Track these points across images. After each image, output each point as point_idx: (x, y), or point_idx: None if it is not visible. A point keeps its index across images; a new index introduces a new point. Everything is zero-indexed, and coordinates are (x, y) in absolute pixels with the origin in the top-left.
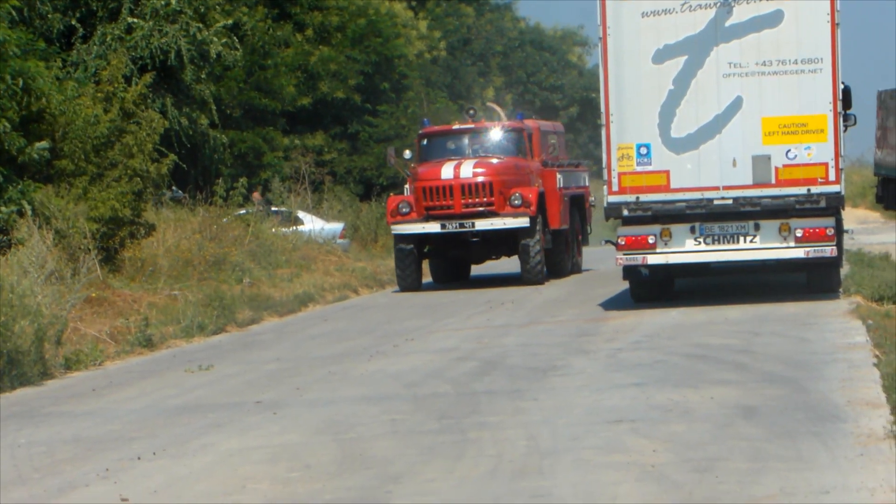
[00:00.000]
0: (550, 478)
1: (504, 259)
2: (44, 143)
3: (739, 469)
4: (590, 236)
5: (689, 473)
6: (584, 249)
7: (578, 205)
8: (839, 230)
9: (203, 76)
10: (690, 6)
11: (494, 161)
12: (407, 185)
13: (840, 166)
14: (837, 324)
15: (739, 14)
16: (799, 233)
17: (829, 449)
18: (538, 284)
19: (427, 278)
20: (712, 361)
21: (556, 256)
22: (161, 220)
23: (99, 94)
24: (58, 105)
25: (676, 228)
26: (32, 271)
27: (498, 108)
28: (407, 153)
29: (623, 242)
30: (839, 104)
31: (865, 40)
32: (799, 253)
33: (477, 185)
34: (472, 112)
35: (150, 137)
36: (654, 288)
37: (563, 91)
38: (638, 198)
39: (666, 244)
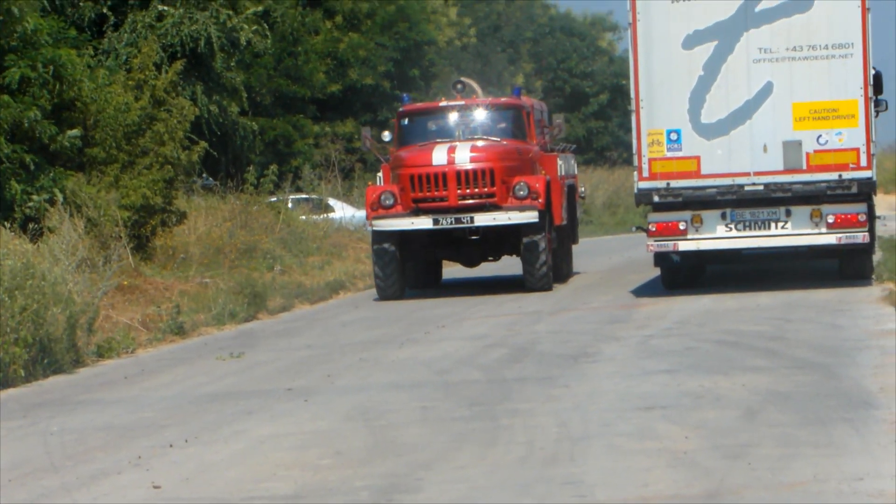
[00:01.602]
0: (582, 464)
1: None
2: (75, 131)
3: (771, 455)
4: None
5: (720, 460)
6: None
7: (569, 197)
8: (871, 216)
9: (233, 63)
10: None
11: (493, 144)
12: (380, 174)
13: (872, 152)
14: (870, 310)
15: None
16: (830, 219)
17: (862, 435)
18: (545, 291)
19: None
20: (743, 348)
21: (559, 257)
22: (192, 207)
23: (130, 82)
24: (89, 93)
25: (707, 214)
26: (64, 259)
27: (474, 84)
28: (385, 135)
29: (654, 229)
30: (870, 89)
31: None
32: (831, 239)
33: (476, 172)
34: (459, 86)
35: (180, 125)
36: (685, 274)
37: (593, 78)
38: (668, 184)
39: (697, 230)
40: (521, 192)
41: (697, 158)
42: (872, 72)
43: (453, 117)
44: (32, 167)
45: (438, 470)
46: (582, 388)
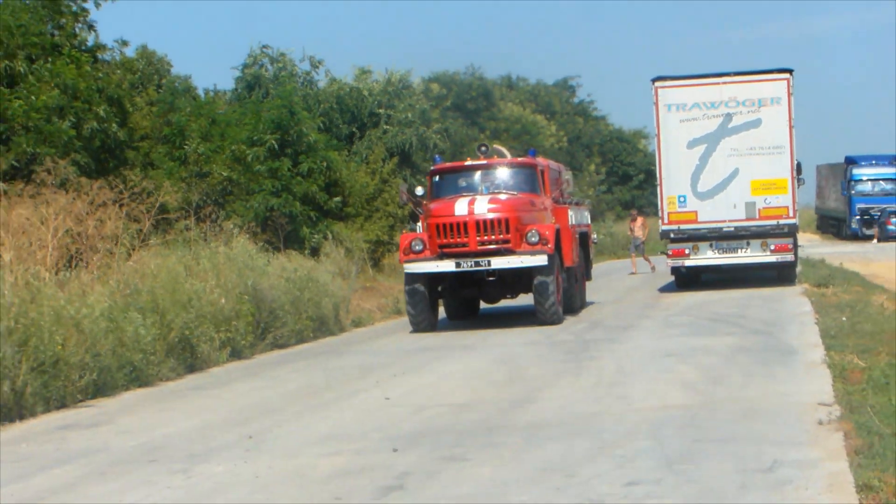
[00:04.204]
0: (630, 387)
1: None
2: (338, 199)
3: (738, 382)
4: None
5: (709, 384)
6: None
7: (583, 242)
8: (795, 245)
9: (427, 159)
10: (708, 115)
11: (509, 197)
12: (419, 223)
13: (795, 208)
14: (794, 300)
15: (737, 120)
16: (772, 247)
17: (790, 370)
18: (554, 324)
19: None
20: (722, 322)
21: (569, 293)
22: None
23: (368, 170)
24: (345, 177)
25: (701, 245)
26: (332, 271)
27: (504, 149)
28: (419, 190)
29: (671, 253)
30: (795, 172)
31: (813, 131)
32: (773, 258)
33: (492, 221)
34: (483, 148)
35: (397, 195)
36: (689, 279)
37: (635, 166)
38: (679, 227)
39: (695, 254)
40: (533, 239)
41: (696, 212)
42: (796, 162)
43: (477, 174)
44: (314, 219)
45: (547, 391)
46: (630, 344)
